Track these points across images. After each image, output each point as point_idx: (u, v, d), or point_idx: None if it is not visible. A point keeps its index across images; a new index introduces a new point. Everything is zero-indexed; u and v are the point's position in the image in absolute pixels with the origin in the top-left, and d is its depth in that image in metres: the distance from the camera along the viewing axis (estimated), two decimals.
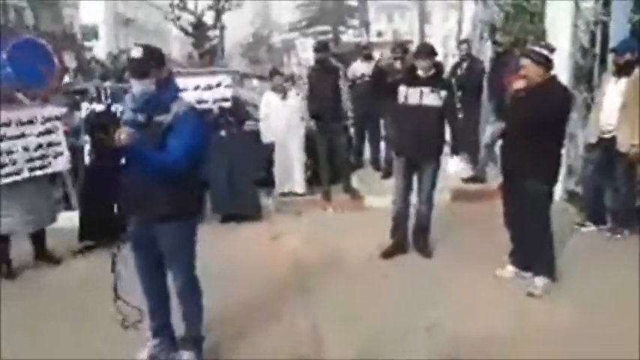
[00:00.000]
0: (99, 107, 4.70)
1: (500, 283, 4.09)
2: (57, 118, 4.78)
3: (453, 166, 4.83)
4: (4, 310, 3.79)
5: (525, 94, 3.81)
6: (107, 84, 6.01)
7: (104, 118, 2.71)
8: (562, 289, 3.92)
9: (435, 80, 4.43)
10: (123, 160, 2.66)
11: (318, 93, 6.13)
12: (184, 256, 3.00)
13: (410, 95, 4.41)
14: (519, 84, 3.87)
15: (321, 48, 6.40)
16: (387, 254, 4.68)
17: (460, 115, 4.57)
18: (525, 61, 3.78)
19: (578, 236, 4.98)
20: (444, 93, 4.40)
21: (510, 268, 4.17)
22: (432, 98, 4.37)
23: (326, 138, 6.19)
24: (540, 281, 3.92)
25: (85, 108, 5.37)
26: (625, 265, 4.20)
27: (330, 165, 6.31)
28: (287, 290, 4.10)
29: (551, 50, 3.79)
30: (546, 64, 3.74)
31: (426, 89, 4.37)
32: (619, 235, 4.92)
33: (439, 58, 4.79)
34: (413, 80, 4.44)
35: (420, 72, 4.43)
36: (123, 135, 2.58)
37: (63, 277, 4.56)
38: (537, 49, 3.81)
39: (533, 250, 4.00)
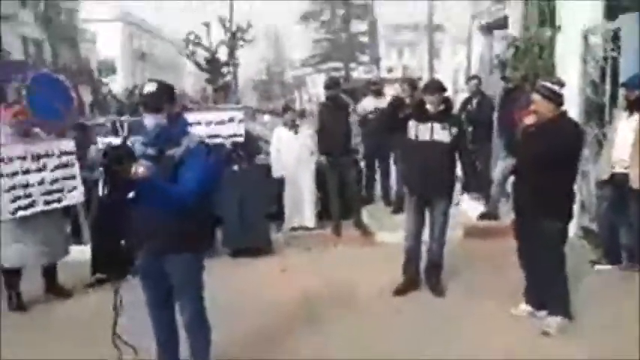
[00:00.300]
0: (115, 141, 4.78)
1: (514, 322, 4.01)
2: (73, 152, 4.85)
3: (465, 204, 4.80)
4: (14, 343, 3.78)
5: (536, 129, 3.81)
6: (124, 118, 6.11)
7: (121, 151, 2.75)
8: (577, 328, 3.83)
9: (445, 116, 4.44)
10: (132, 194, 2.69)
11: (328, 128, 6.18)
12: (193, 288, 3.02)
13: (420, 131, 4.41)
14: (530, 119, 3.87)
15: (332, 84, 6.49)
16: (400, 291, 4.63)
17: (471, 152, 4.56)
18: (536, 97, 3.79)
19: (593, 274, 4.88)
20: (454, 129, 4.41)
21: (524, 307, 4.09)
22: (442, 134, 4.38)
23: (336, 172, 6.22)
24: (555, 320, 3.84)
25: (101, 142, 5.45)
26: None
27: (340, 200, 6.31)
28: (297, 325, 4.06)
29: (562, 85, 3.80)
30: (556, 99, 3.74)
31: (436, 125, 4.37)
32: (636, 273, 4.81)
33: (448, 94, 4.82)
34: (422, 116, 4.44)
35: (429, 107, 4.44)
36: (140, 168, 2.61)
37: (73, 310, 4.55)
38: (547, 84, 3.82)
39: (548, 289, 3.93)
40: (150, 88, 2.85)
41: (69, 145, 4.85)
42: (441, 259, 4.65)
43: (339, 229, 6.30)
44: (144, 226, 2.84)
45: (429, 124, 4.38)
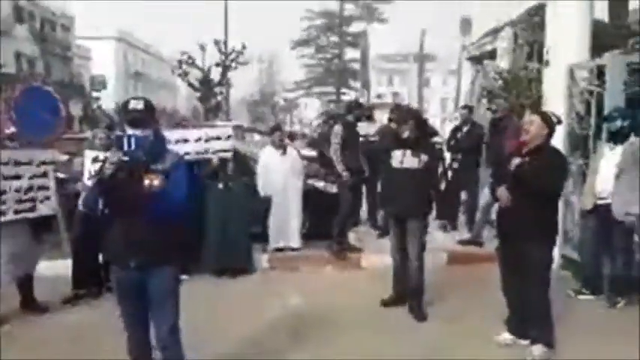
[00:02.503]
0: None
1: (496, 350, 3.97)
2: (53, 162, 4.86)
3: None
4: None
5: (522, 157, 3.86)
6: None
7: (132, 165, 2.82)
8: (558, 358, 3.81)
9: (417, 144, 4.62)
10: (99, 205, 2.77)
11: (351, 148, 6.26)
12: (171, 303, 3.00)
13: (394, 158, 4.66)
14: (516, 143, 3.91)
15: (355, 106, 6.76)
16: (387, 303, 4.77)
17: (443, 178, 4.70)
18: (535, 118, 3.89)
19: (574, 304, 4.89)
20: (424, 156, 4.58)
21: (507, 335, 4.07)
22: (411, 161, 4.58)
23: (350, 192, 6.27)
24: (538, 349, 3.82)
25: (101, 155, 5.40)
26: (621, 335, 4.09)
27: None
28: (280, 347, 4.00)
29: (559, 121, 3.94)
30: (552, 128, 3.85)
31: (407, 152, 4.59)
32: (616, 305, 4.82)
33: (436, 122, 4.93)
34: (397, 143, 4.70)
35: (402, 135, 4.65)
36: (156, 181, 2.74)
37: (49, 327, 4.43)
38: (551, 112, 3.98)
39: (531, 316, 3.92)
40: (138, 104, 2.94)
41: (49, 154, 4.85)
42: (420, 283, 4.67)
43: (344, 253, 6.23)
44: (127, 239, 2.87)
45: (402, 152, 4.61)
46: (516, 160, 3.86)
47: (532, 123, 3.85)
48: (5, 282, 4.55)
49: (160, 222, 2.84)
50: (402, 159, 4.60)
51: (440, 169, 4.76)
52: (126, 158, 2.80)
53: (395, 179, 4.67)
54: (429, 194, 4.75)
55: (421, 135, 4.72)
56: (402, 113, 4.83)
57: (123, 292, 2.99)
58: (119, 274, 2.97)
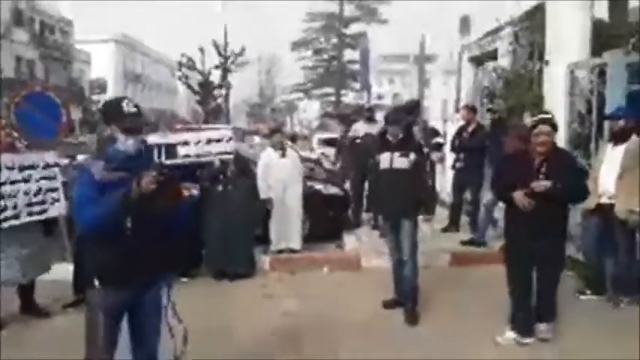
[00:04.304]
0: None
1: (499, 350, 3.96)
2: (57, 164, 4.89)
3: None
4: None
5: (541, 161, 3.92)
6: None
7: (167, 176, 2.54)
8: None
9: (404, 144, 4.63)
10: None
11: None
12: (161, 315, 2.82)
13: (382, 160, 4.65)
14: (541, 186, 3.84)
15: (414, 106, 7.02)
16: (388, 304, 4.75)
17: (429, 177, 4.71)
18: (546, 128, 3.92)
19: (577, 304, 4.87)
20: (412, 156, 4.58)
21: (511, 334, 4.07)
22: (400, 162, 4.58)
23: None
24: (547, 327, 4.01)
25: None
26: (624, 335, 4.06)
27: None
28: (280, 350, 3.98)
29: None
30: (556, 127, 4.00)
31: (395, 154, 4.59)
32: (619, 305, 4.81)
33: (438, 122, 4.94)
34: (384, 146, 4.70)
35: (389, 137, 4.66)
36: (195, 191, 2.64)
37: (48, 331, 4.42)
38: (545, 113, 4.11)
39: (541, 301, 4.05)
40: (133, 108, 2.65)
41: (52, 157, 4.88)
42: (413, 284, 4.62)
43: None
44: (138, 257, 2.58)
45: (389, 154, 4.61)
46: (544, 182, 3.83)
47: (548, 134, 3.90)
48: (17, 284, 4.57)
49: (170, 234, 2.69)
50: (391, 161, 4.60)
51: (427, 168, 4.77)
52: (165, 170, 2.56)
53: (384, 181, 4.66)
54: (420, 193, 4.71)
55: (408, 135, 4.75)
56: (390, 117, 4.80)
57: (115, 316, 2.69)
58: (113, 295, 2.63)
